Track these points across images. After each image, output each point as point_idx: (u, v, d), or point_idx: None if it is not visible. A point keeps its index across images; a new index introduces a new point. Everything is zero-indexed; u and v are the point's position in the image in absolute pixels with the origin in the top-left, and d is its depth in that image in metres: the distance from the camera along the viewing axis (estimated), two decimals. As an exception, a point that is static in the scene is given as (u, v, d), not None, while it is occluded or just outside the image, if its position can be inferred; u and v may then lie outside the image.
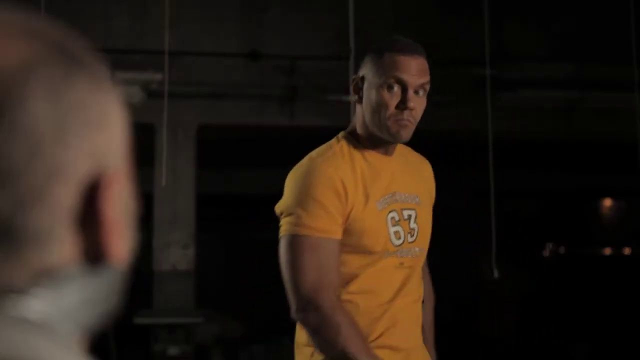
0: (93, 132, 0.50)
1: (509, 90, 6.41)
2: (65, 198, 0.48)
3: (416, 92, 1.83)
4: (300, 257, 1.77)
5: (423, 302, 1.98)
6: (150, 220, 6.33)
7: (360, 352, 1.73)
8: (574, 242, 10.65)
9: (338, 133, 1.94)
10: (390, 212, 1.87)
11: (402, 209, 1.89)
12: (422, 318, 1.98)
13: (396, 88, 1.82)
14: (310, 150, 1.90)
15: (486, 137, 5.14)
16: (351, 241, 1.82)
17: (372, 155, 1.89)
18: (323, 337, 1.77)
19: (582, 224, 10.97)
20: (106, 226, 0.50)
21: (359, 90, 1.89)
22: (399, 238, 1.87)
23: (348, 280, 1.83)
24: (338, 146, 1.88)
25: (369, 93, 1.85)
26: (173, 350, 5.80)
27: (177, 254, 6.33)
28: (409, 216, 1.90)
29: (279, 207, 1.85)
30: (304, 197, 1.78)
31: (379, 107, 1.82)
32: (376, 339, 1.84)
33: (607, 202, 11.28)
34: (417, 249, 1.92)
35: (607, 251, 10.74)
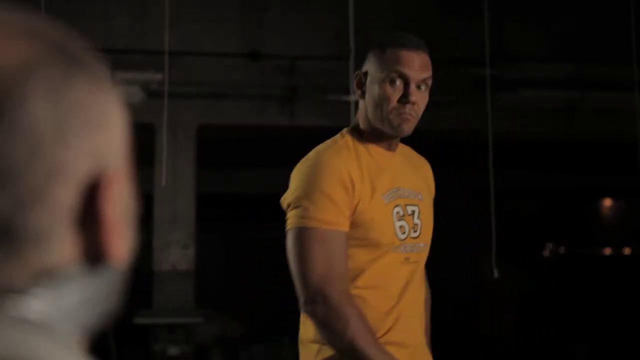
0: (93, 132, 0.50)
1: (509, 90, 6.42)
2: (65, 198, 0.48)
3: (418, 87, 1.85)
4: (308, 249, 1.77)
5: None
6: (150, 220, 6.33)
7: (369, 345, 1.74)
8: (574, 242, 10.64)
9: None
10: (395, 206, 1.88)
11: (406, 205, 1.91)
12: None
13: (398, 82, 1.84)
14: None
15: (486, 137, 5.14)
16: (358, 234, 1.82)
17: (376, 150, 1.91)
18: (331, 329, 1.76)
19: (582, 224, 10.97)
20: (106, 226, 0.50)
21: (362, 85, 1.91)
22: (404, 232, 1.88)
23: (355, 275, 1.84)
24: (343, 141, 1.90)
25: (371, 87, 1.87)
26: (173, 350, 5.80)
27: (177, 254, 6.32)
28: (413, 212, 1.92)
29: (285, 200, 1.86)
30: (311, 190, 1.79)
31: (382, 101, 1.84)
32: (384, 335, 1.84)
33: (607, 202, 11.28)
34: (421, 244, 1.93)
35: (607, 251, 10.74)
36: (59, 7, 5.35)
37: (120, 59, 5.81)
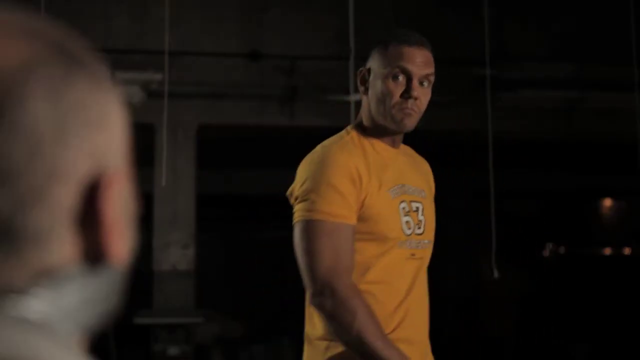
0: (93, 132, 0.50)
1: (509, 90, 6.42)
2: (65, 198, 0.48)
3: (421, 83, 1.87)
4: (315, 242, 1.77)
5: None
6: (150, 220, 6.33)
7: (376, 337, 1.74)
8: (574, 242, 10.64)
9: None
10: (401, 202, 1.90)
11: (410, 201, 1.92)
12: None
13: (401, 78, 1.85)
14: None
15: (486, 137, 5.14)
16: (366, 228, 1.83)
17: (381, 146, 1.92)
18: (339, 322, 1.76)
19: (582, 224, 10.97)
20: (106, 226, 0.50)
21: (365, 82, 1.93)
22: (410, 228, 1.89)
23: (363, 270, 1.84)
24: (349, 137, 1.91)
25: (374, 83, 1.89)
26: (173, 350, 5.80)
27: (177, 254, 6.33)
28: (417, 208, 1.93)
29: (292, 193, 1.86)
30: (318, 183, 1.80)
31: (384, 97, 1.86)
32: (392, 331, 1.84)
33: (607, 202, 11.28)
34: (426, 240, 1.95)
35: (607, 251, 10.74)
36: (59, 7, 5.35)
37: (120, 59, 5.81)
